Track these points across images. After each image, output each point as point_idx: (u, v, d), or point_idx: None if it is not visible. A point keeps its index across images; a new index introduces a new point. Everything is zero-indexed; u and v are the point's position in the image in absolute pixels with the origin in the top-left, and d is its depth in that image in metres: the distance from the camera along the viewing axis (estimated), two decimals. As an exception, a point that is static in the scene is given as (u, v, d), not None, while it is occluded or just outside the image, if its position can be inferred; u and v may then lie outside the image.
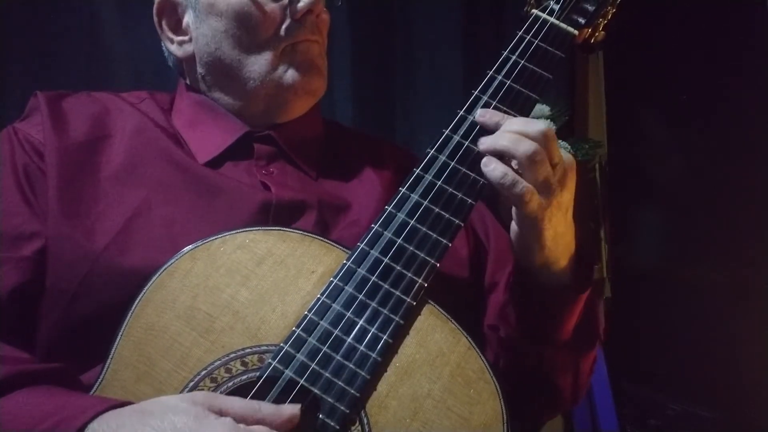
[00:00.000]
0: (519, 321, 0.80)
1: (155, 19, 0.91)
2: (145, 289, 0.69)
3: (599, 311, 0.78)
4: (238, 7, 0.84)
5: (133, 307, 0.68)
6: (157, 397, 0.62)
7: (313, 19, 0.87)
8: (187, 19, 0.89)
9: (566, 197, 0.74)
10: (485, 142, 0.72)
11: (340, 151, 0.97)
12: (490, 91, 0.78)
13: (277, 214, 0.81)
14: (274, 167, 0.88)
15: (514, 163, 0.71)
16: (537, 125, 0.71)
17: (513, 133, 0.71)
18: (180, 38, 0.90)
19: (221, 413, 0.60)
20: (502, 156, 0.71)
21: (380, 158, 0.97)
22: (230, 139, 0.87)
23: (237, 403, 0.61)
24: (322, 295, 0.69)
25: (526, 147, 0.69)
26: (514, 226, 0.76)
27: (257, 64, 0.86)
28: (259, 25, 0.84)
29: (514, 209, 0.74)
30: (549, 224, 0.73)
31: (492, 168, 0.70)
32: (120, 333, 0.68)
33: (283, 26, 0.85)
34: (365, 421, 0.65)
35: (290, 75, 0.86)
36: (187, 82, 0.94)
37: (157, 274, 0.69)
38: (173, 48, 0.91)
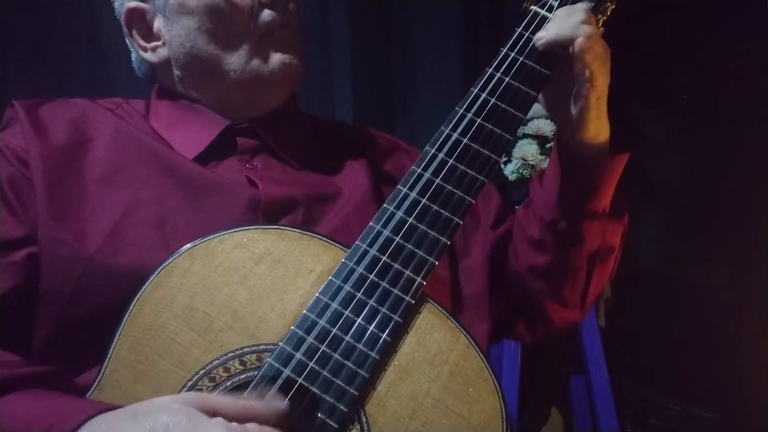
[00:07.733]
0: (562, 197, 0.86)
1: (125, 30, 0.91)
2: (143, 288, 0.69)
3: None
4: (209, 2, 0.84)
5: (131, 307, 0.68)
6: (149, 399, 0.62)
7: (284, 3, 0.87)
8: (158, 24, 0.89)
9: (608, 71, 0.80)
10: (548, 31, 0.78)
11: (320, 141, 0.97)
12: (489, 88, 0.78)
13: (265, 211, 0.81)
14: (258, 161, 0.88)
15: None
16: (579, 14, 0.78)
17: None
18: (153, 44, 0.90)
19: (214, 413, 0.59)
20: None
21: (361, 145, 0.97)
22: (212, 134, 0.87)
23: (228, 402, 0.61)
24: (320, 294, 0.69)
25: (587, 28, 0.76)
26: (572, 106, 0.80)
27: (236, 56, 0.86)
28: (232, 16, 0.85)
29: (577, 86, 0.78)
30: (603, 91, 0.79)
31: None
32: (118, 333, 0.67)
33: (256, 14, 0.85)
34: (364, 420, 0.65)
35: (270, 63, 0.86)
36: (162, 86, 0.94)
37: (155, 273, 0.69)
38: (147, 55, 0.90)
